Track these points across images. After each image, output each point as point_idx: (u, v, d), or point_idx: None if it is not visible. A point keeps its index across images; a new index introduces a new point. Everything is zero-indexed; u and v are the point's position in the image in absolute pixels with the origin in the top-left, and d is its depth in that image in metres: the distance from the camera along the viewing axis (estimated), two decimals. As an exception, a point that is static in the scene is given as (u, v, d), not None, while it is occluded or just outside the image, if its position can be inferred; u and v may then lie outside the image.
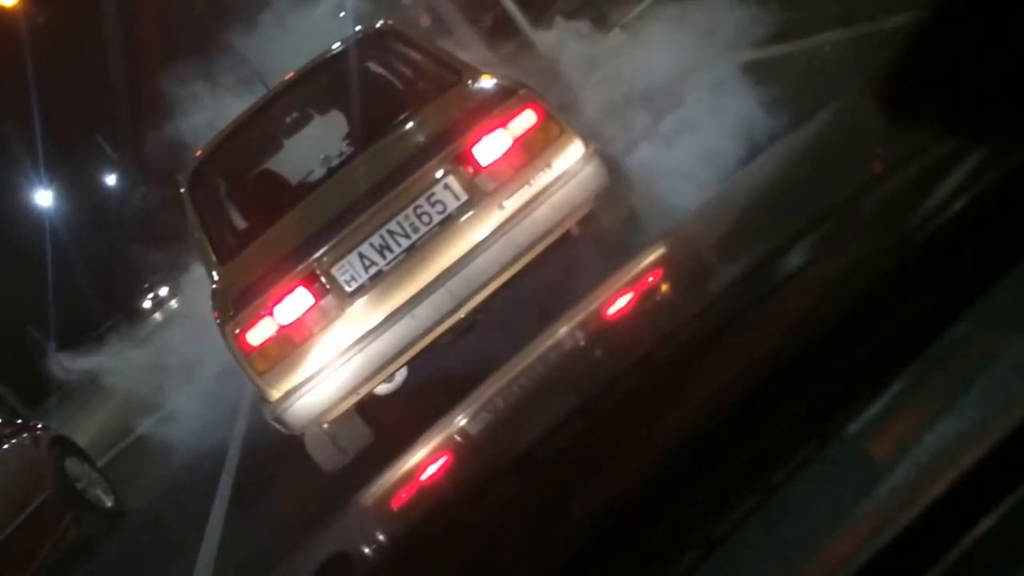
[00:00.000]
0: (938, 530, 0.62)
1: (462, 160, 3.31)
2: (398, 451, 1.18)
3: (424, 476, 1.09)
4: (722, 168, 3.86)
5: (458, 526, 0.86)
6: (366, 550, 1.06)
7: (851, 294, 0.75)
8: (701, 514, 0.68)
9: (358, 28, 4.35)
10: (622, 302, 1.16)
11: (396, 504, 1.08)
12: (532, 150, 3.30)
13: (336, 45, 4.18)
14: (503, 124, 3.32)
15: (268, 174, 4.48)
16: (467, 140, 3.31)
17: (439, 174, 3.30)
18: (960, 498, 0.61)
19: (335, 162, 4.09)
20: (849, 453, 0.67)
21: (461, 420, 1.14)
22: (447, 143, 3.34)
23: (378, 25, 4.21)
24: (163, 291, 34.64)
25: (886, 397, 0.68)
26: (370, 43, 4.18)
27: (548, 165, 3.30)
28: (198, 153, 4.17)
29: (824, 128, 1.18)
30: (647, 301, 1.12)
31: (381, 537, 1.06)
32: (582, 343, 1.14)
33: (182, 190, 3.96)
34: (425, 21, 11.77)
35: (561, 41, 8.12)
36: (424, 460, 1.12)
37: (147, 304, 35.96)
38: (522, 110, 3.33)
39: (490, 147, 3.31)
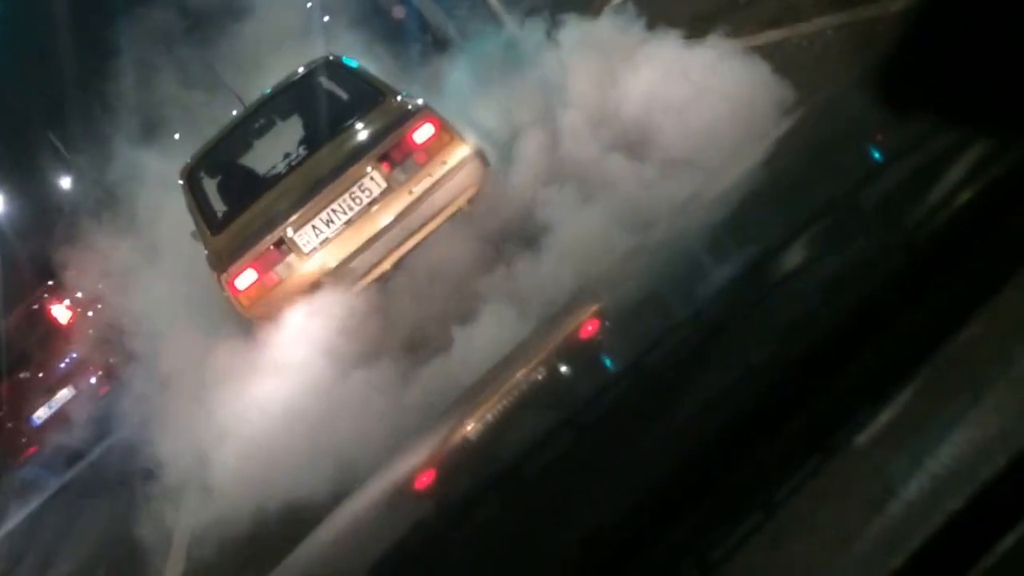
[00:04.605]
0: (956, 549, 0.58)
1: (383, 159, 4.88)
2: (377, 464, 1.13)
3: (403, 494, 1.04)
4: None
5: (439, 547, 0.82)
6: (343, 570, 1.01)
7: (852, 295, 0.71)
8: (698, 534, 0.64)
9: (308, 61, 5.95)
10: (607, 309, 1.12)
11: (374, 522, 1.04)
12: (432, 151, 4.87)
13: (297, 71, 5.82)
14: (411, 133, 4.89)
15: (245, 169, 6.00)
16: (386, 144, 4.89)
17: (367, 169, 4.88)
18: (980, 514, 0.57)
19: (294, 160, 5.58)
20: (857, 466, 0.63)
21: (440, 435, 1.09)
22: (372, 146, 4.92)
23: (324, 58, 5.87)
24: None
25: (895, 406, 0.64)
26: (319, 71, 5.84)
27: (444, 161, 4.85)
28: (191, 156, 5.73)
29: (821, 117, 1.14)
30: (633, 304, 1.07)
31: (359, 556, 1.01)
32: (568, 352, 1.09)
33: (181, 182, 5.54)
34: (399, 13, 11.71)
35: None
36: (402, 478, 1.07)
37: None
38: (424, 123, 4.88)
39: (402, 149, 4.88)
